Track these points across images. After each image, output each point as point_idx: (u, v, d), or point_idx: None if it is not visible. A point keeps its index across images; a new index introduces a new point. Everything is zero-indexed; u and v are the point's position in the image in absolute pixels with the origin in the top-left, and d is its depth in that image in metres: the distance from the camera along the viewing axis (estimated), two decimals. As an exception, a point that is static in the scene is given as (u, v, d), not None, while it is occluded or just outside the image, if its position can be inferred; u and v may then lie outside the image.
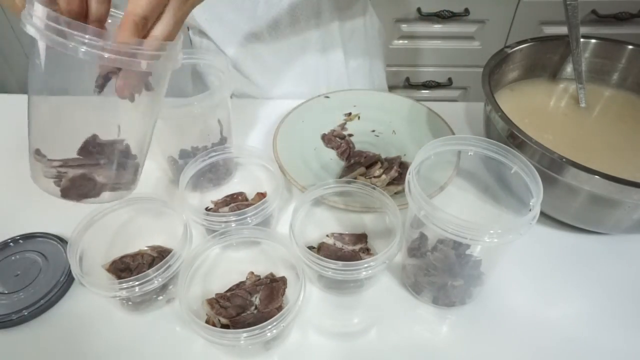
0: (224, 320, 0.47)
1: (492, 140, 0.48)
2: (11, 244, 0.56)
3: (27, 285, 0.52)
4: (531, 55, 0.69)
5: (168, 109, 0.55)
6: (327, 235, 0.56)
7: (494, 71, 0.64)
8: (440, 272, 0.48)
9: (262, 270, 0.52)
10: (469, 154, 0.49)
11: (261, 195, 0.60)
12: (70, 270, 0.53)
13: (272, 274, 0.52)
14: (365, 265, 0.46)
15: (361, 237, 0.56)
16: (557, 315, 0.51)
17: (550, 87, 0.72)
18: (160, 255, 0.53)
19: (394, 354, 0.48)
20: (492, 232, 0.40)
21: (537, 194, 0.43)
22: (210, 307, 0.47)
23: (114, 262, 0.52)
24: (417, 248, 0.50)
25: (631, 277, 0.54)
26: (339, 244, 0.55)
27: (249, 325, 0.44)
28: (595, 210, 0.53)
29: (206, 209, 0.59)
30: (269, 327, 0.42)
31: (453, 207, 0.41)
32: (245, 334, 0.42)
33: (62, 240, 0.56)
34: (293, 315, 0.44)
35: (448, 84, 1.54)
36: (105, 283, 0.49)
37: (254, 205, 0.52)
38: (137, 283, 0.46)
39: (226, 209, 0.58)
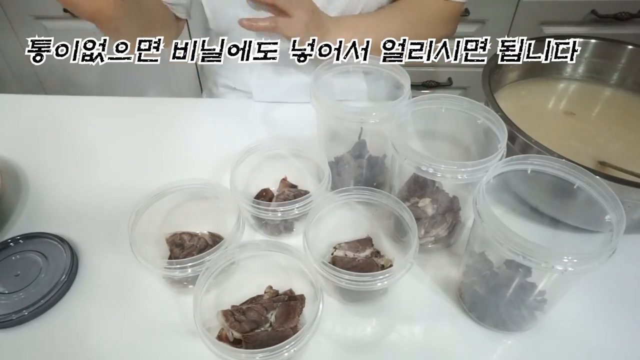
0: (236, 335, 0.45)
1: (552, 157, 0.46)
2: (11, 244, 0.56)
3: (27, 285, 0.52)
4: (531, 55, 0.69)
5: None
6: (335, 248, 0.54)
7: (494, 71, 0.64)
8: (502, 294, 0.47)
9: (280, 284, 0.51)
10: (528, 171, 0.47)
11: (285, 182, 0.62)
12: (71, 270, 0.53)
13: (291, 291, 0.50)
14: (388, 274, 0.45)
15: (367, 242, 0.55)
16: (557, 315, 0.51)
17: (550, 87, 0.72)
18: (214, 243, 0.54)
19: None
20: (566, 259, 0.38)
21: (620, 220, 0.40)
22: (225, 319, 0.46)
23: (174, 235, 0.55)
24: (479, 267, 0.48)
25: (631, 277, 0.54)
26: (350, 254, 0.54)
27: (261, 342, 0.43)
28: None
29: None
30: (276, 351, 0.41)
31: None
32: (260, 355, 0.40)
33: (62, 240, 0.56)
34: (307, 339, 0.42)
35: (448, 84, 1.54)
36: (155, 259, 0.50)
37: (300, 198, 0.53)
38: (189, 264, 0.48)
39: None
